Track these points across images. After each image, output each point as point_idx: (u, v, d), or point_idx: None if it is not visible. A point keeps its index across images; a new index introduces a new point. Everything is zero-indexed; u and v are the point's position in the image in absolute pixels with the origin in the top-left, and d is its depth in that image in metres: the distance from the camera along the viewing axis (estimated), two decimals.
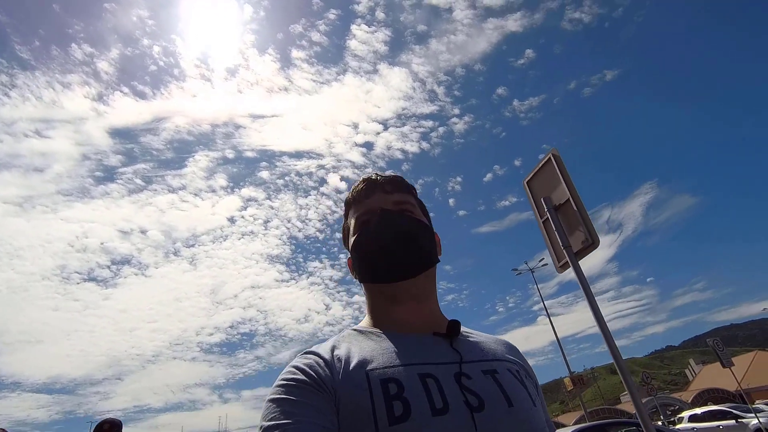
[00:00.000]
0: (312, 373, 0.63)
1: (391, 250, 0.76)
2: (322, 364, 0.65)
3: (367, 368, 0.64)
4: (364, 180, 0.87)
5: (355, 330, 0.76)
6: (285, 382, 0.63)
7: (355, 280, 0.86)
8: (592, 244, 2.32)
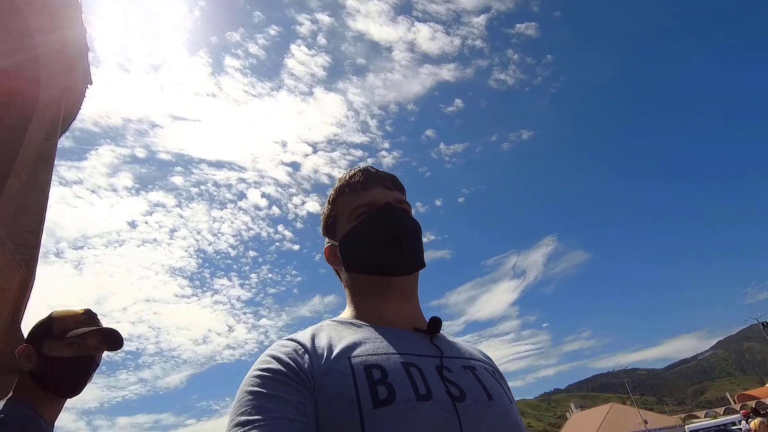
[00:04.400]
0: (289, 362, 0.61)
1: (398, 244, 0.76)
2: (301, 351, 0.63)
3: (350, 355, 0.63)
4: (362, 170, 0.85)
5: (334, 321, 0.75)
6: (261, 373, 0.60)
7: (334, 271, 0.86)
8: None
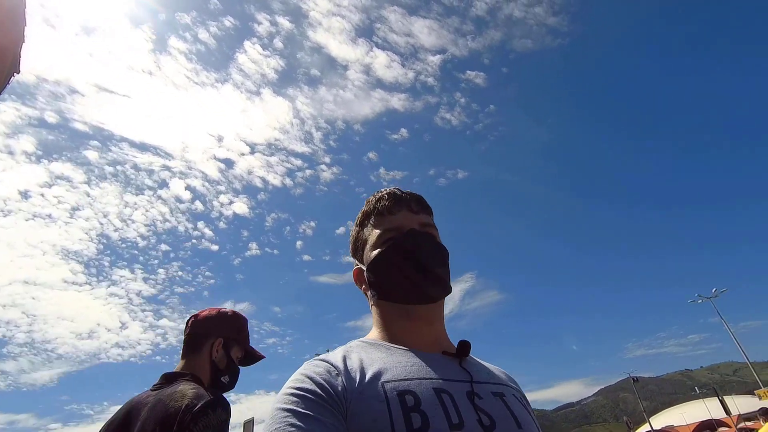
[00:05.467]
0: (323, 383, 0.61)
1: (422, 272, 0.76)
2: (335, 373, 0.64)
3: (382, 379, 0.63)
4: (389, 193, 0.85)
5: (363, 341, 0.75)
6: (295, 391, 0.61)
7: (362, 292, 0.86)
8: None
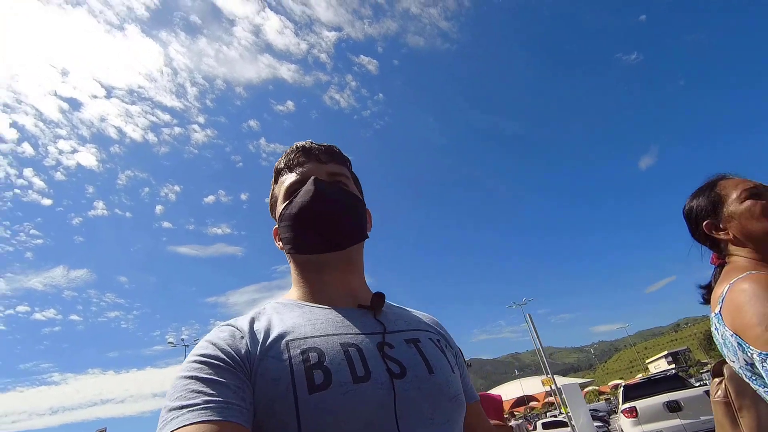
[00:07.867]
0: (227, 347, 0.60)
1: (323, 220, 0.74)
2: (239, 336, 0.62)
3: (287, 338, 0.62)
4: (297, 147, 0.83)
5: (277, 303, 0.73)
6: (198, 358, 0.58)
7: (280, 250, 0.84)
8: None
